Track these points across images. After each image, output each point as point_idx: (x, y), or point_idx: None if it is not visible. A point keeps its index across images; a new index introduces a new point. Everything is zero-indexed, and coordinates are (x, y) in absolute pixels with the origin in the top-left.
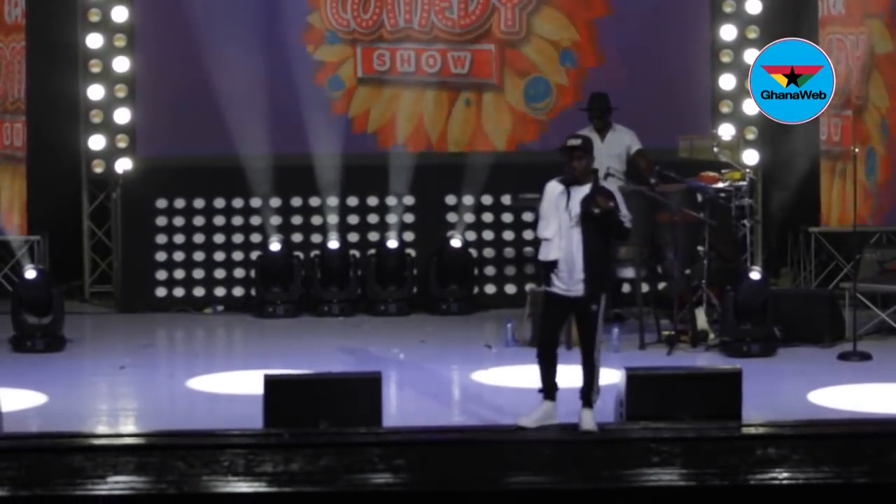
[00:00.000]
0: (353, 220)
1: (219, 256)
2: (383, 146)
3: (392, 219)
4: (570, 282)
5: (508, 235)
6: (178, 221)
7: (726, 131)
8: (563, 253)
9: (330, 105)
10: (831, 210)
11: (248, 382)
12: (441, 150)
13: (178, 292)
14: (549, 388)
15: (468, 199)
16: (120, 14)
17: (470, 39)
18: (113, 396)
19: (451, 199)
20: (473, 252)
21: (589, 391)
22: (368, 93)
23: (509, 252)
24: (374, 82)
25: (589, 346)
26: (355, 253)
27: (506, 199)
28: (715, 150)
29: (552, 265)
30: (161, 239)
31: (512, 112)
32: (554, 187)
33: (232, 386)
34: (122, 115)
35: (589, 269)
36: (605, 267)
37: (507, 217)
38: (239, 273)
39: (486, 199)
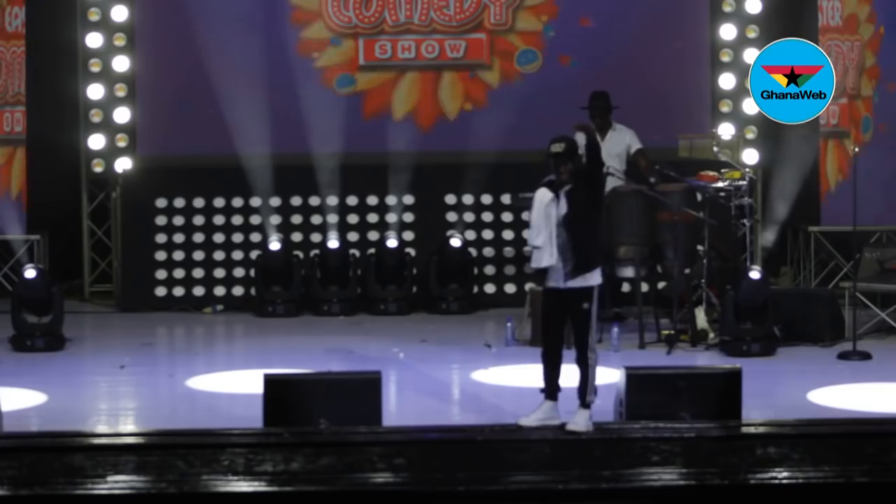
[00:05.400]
0: (352, 219)
1: (219, 256)
2: (396, 121)
3: (392, 218)
4: (560, 277)
5: (508, 235)
6: (178, 221)
7: (726, 131)
8: (555, 257)
9: (337, 98)
10: (828, 171)
11: (248, 382)
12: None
13: (178, 292)
14: (550, 389)
15: (468, 199)
16: (120, 13)
17: (464, 31)
18: (113, 396)
19: (450, 199)
20: (473, 251)
21: (585, 391)
22: (373, 78)
23: (509, 251)
24: (377, 68)
25: (582, 345)
26: (355, 252)
27: (505, 199)
28: (715, 149)
29: (546, 271)
30: (161, 238)
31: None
32: (544, 195)
33: (232, 385)
34: (122, 115)
35: (576, 255)
36: (593, 251)
37: (507, 216)
38: (239, 272)
39: (486, 199)
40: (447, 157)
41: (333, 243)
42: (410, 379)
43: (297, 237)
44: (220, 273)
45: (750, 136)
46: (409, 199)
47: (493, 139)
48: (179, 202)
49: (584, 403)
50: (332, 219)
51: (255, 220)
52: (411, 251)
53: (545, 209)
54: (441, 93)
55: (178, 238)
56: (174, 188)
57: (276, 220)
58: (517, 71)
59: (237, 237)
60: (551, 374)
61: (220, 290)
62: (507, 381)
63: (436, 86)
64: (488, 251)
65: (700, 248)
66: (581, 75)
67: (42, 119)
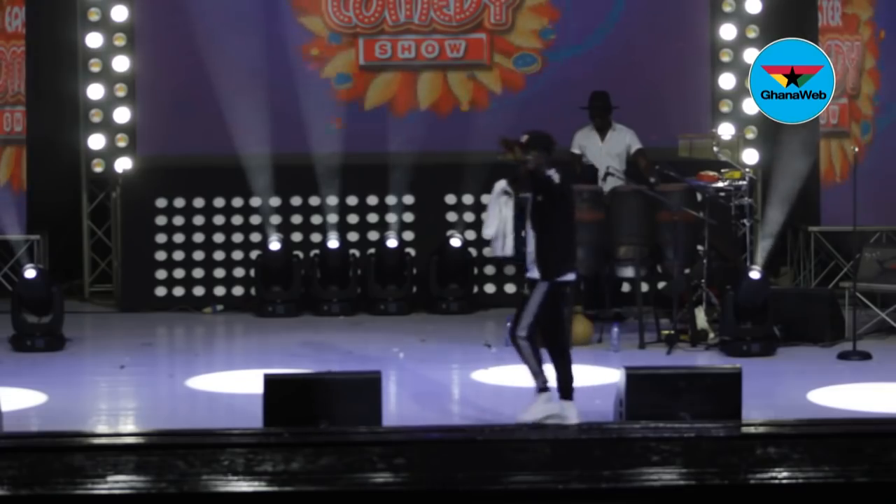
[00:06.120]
0: (352, 219)
1: (219, 256)
2: (397, 115)
3: (392, 218)
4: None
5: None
6: (178, 221)
7: (726, 130)
8: (514, 248)
9: (336, 96)
10: (831, 167)
11: (248, 382)
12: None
13: (178, 292)
14: (559, 386)
15: (468, 199)
16: (120, 13)
17: (464, 31)
18: (113, 396)
19: (450, 199)
20: (473, 251)
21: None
22: (372, 77)
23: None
24: (377, 69)
25: (514, 326)
26: (355, 252)
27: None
28: (715, 149)
29: (508, 260)
30: (161, 238)
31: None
32: (497, 186)
33: (232, 385)
34: (122, 115)
35: (537, 255)
36: (551, 252)
37: None
38: (239, 272)
39: (486, 199)
40: (447, 157)
41: (333, 243)
42: (410, 379)
43: (297, 237)
44: (220, 273)
45: (750, 136)
46: (409, 199)
47: (492, 139)
48: (179, 202)
49: (540, 389)
50: (332, 219)
51: (255, 220)
52: (411, 251)
53: (496, 200)
54: (441, 93)
55: (178, 238)
56: (174, 188)
57: (276, 220)
58: (516, 72)
59: (237, 237)
60: (558, 370)
61: (220, 290)
62: (507, 381)
63: (435, 86)
64: (488, 251)
65: (700, 248)
66: (581, 75)
67: (42, 119)
